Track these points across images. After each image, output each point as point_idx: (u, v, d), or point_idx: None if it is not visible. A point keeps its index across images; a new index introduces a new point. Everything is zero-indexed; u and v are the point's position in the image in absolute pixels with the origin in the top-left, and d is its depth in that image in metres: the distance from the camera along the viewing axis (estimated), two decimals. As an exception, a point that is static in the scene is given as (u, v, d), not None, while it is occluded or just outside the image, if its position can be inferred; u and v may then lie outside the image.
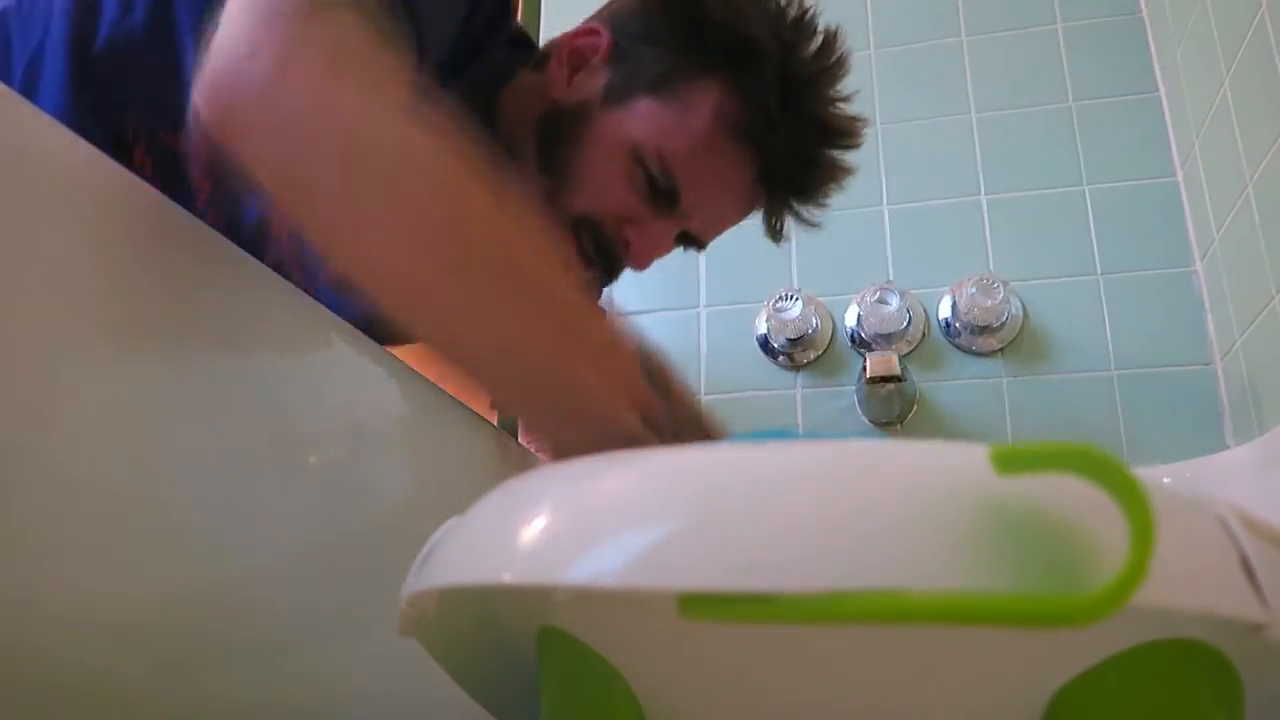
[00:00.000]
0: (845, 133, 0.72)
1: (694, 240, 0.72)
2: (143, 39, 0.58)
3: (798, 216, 0.74)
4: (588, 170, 0.65)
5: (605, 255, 0.68)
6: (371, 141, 0.44)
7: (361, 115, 0.44)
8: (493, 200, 0.46)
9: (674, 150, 0.65)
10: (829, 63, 0.69)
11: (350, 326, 0.52)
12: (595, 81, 0.66)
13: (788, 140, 0.68)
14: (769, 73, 0.66)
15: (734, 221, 0.74)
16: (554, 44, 0.71)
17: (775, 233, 0.75)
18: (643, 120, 0.65)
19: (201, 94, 0.44)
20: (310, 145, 0.43)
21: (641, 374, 0.51)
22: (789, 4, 0.68)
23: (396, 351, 0.57)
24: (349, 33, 0.46)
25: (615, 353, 0.51)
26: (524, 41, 0.71)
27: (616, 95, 0.66)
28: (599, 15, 0.71)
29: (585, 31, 0.69)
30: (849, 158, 0.73)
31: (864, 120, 0.72)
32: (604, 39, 0.68)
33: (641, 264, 0.70)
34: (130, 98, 0.58)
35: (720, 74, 0.66)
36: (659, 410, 0.51)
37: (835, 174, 0.73)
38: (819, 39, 0.68)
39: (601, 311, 0.52)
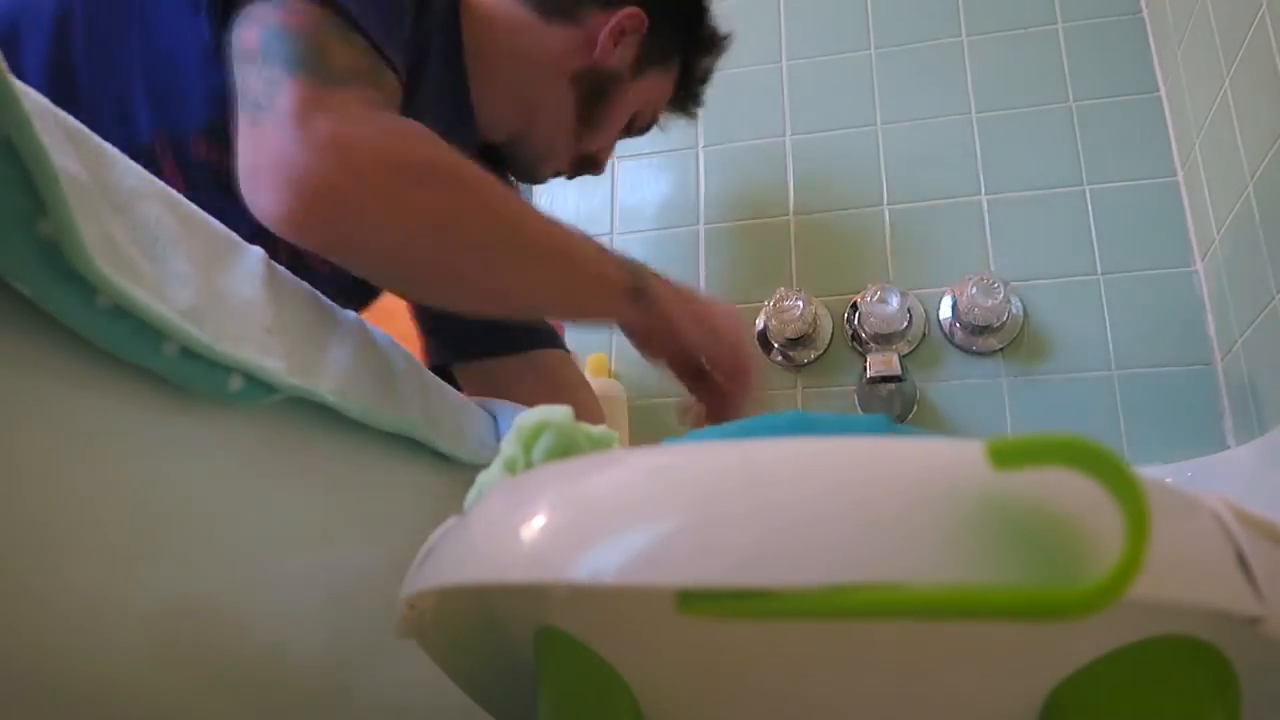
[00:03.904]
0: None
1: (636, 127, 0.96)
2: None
3: (685, 111, 1.00)
4: (610, 123, 0.87)
5: (577, 172, 0.93)
6: (453, 214, 0.56)
7: (442, 200, 0.55)
8: (526, 208, 0.62)
9: (659, 107, 0.92)
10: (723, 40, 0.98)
11: None
12: (628, 54, 0.85)
13: (692, 84, 0.96)
14: (710, 56, 0.96)
15: None
16: (588, 7, 0.86)
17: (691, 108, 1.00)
18: (651, 88, 0.89)
19: (273, 207, 0.51)
20: (405, 237, 0.54)
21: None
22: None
23: (367, 315, 0.61)
24: (375, 115, 0.55)
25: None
26: None
27: (639, 68, 0.86)
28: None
29: (631, 15, 0.85)
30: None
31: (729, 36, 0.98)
32: (644, 23, 0.85)
33: (601, 170, 0.94)
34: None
35: (686, 49, 0.92)
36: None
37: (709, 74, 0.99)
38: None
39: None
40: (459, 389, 0.78)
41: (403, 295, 0.73)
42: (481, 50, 0.81)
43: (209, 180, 0.64)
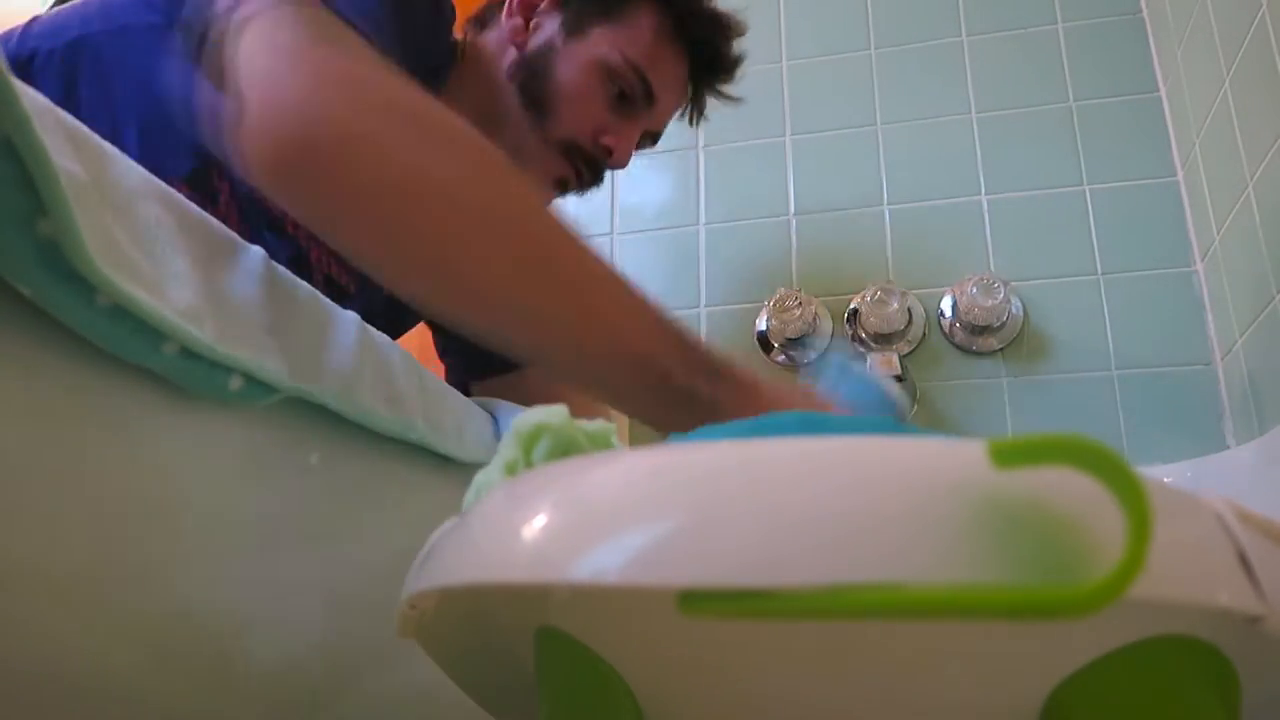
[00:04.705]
0: (739, 26, 0.90)
1: (652, 136, 0.88)
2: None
3: (722, 95, 0.93)
4: (566, 96, 0.79)
5: (591, 167, 0.83)
6: (464, 192, 0.48)
7: (453, 173, 0.48)
8: (549, 214, 0.52)
9: (637, 58, 0.80)
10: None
11: None
12: (551, 23, 0.80)
13: (704, 36, 0.86)
14: None
15: (675, 113, 0.91)
16: (491, 3, 0.85)
17: (697, 115, 0.95)
18: (605, 42, 0.80)
19: (255, 152, 0.45)
20: (402, 203, 0.47)
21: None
22: None
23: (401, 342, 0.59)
24: (376, 67, 0.49)
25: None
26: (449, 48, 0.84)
27: (574, 29, 0.80)
28: None
29: None
30: (742, 44, 0.92)
31: (743, 18, 0.91)
32: None
33: (623, 163, 0.85)
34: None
35: None
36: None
37: (739, 60, 0.92)
38: None
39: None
40: None
41: (383, 274, 0.54)
42: (457, 84, 0.82)
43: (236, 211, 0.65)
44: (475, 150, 0.50)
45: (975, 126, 1.16)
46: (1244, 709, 0.26)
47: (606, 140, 0.82)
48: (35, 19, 0.70)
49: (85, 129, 0.34)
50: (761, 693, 0.27)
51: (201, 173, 0.64)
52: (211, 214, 0.64)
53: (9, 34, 0.69)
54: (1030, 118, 1.15)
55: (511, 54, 0.81)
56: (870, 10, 1.25)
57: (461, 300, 0.51)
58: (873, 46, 1.23)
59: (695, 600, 0.21)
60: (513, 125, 0.80)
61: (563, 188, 0.86)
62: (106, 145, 0.35)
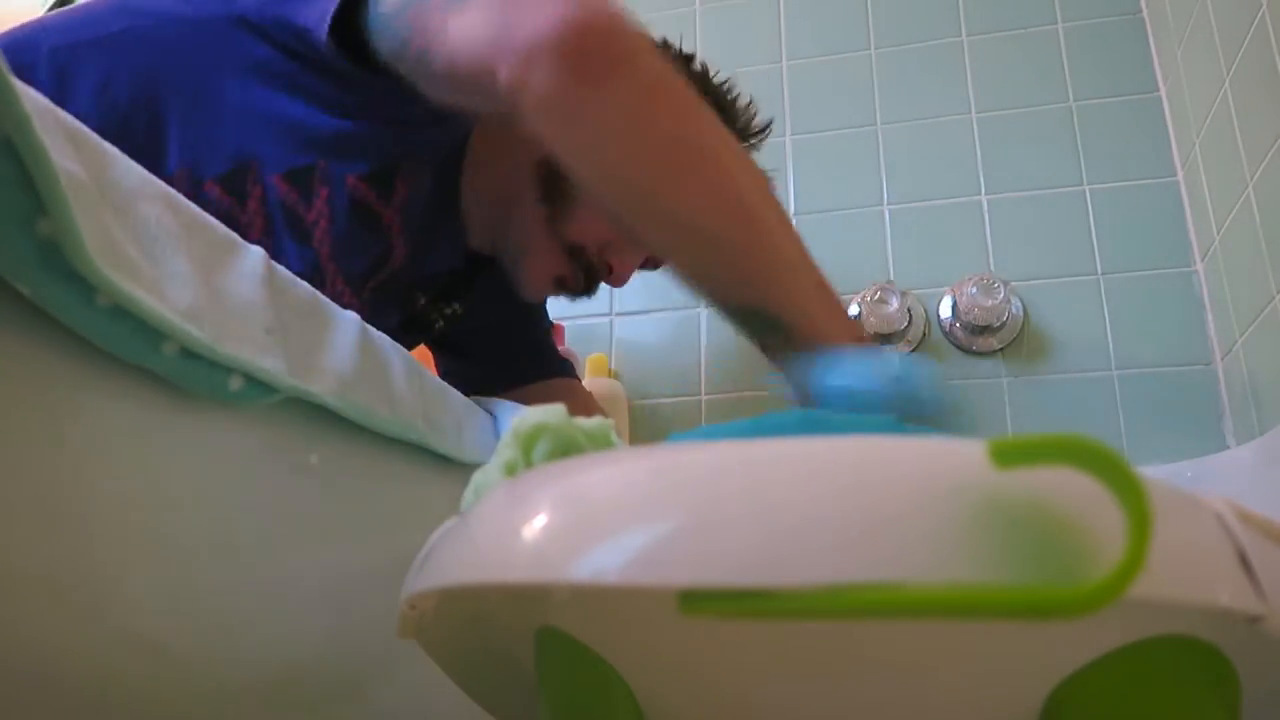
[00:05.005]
0: (763, 135, 0.92)
1: (654, 262, 0.89)
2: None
3: None
4: (585, 203, 0.79)
5: (589, 277, 0.84)
6: (694, 140, 0.56)
7: (685, 118, 0.56)
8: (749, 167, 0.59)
9: None
10: (761, 131, 0.92)
11: None
12: None
13: None
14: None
15: None
16: None
17: None
18: None
19: (551, 52, 0.52)
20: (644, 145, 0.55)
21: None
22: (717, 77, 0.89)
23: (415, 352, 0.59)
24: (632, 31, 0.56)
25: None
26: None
27: None
28: None
29: None
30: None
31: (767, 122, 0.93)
32: None
33: (621, 283, 0.87)
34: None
35: None
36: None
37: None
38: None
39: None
40: None
41: (610, 173, 0.61)
42: (471, 165, 0.83)
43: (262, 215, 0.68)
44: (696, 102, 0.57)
45: (975, 126, 1.16)
46: (1244, 709, 0.26)
47: (611, 259, 0.84)
48: (77, 6, 0.71)
49: (85, 129, 0.34)
50: (761, 693, 0.27)
51: (237, 175, 0.65)
52: (238, 217, 0.66)
53: (43, 23, 0.70)
54: (1030, 118, 1.15)
55: (538, 149, 0.81)
56: (870, 10, 1.25)
57: (656, 204, 0.57)
58: (873, 46, 1.23)
59: (695, 600, 0.21)
60: (525, 214, 0.82)
61: (560, 286, 0.87)
62: (106, 145, 0.35)
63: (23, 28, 0.70)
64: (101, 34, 0.68)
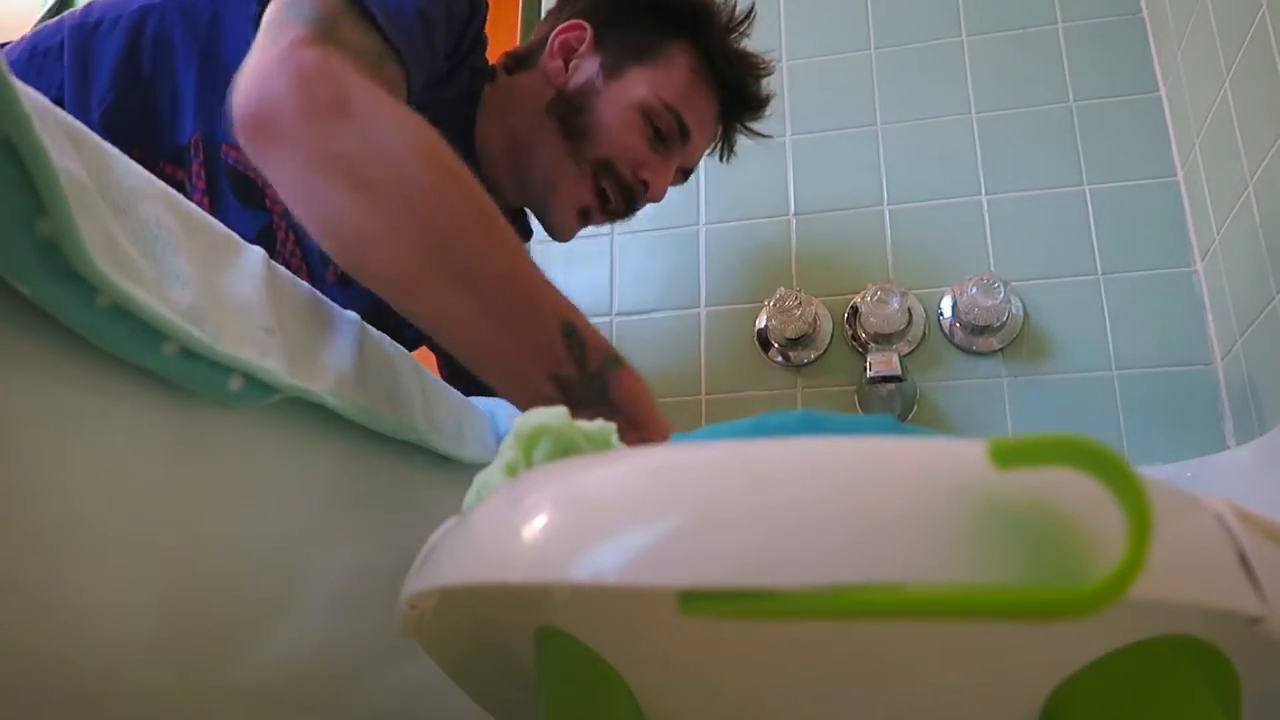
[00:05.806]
0: (768, 66, 0.96)
1: (684, 172, 0.93)
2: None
3: (751, 133, 0.99)
4: (607, 131, 0.83)
5: (626, 195, 0.87)
6: (384, 171, 0.53)
7: (373, 148, 0.53)
8: (470, 204, 0.55)
9: (673, 99, 0.85)
10: (745, 16, 0.94)
11: None
12: (590, 65, 0.85)
13: (734, 76, 0.92)
14: (717, 29, 0.89)
15: (707, 149, 0.97)
16: (534, 44, 0.90)
17: (728, 151, 1.01)
18: (642, 84, 0.85)
19: (237, 122, 0.53)
20: (329, 176, 0.52)
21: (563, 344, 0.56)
22: None
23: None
24: (357, 64, 0.56)
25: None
26: (485, 66, 0.90)
27: (612, 71, 0.85)
28: (571, 12, 0.89)
29: (569, 28, 0.87)
30: (768, 84, 0.98)
31: (771, 56, 0.96)
32: (586, 30, 0.86)
33: (659, 198, 0.90)
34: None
35: (683, 37, 0.88)
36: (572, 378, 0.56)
37: (768, 99, 0.98)
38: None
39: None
40: None
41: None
42: (484, 121, 0.86)
43: (227, 182, 0.70)
44: (441, 171, 0.54)
45: (975, 126, 1.16)
46: (1244, 709, 0.26)
47: (645, 175, 0.86)
48: None
49: (85, 129, 0.34)
50: (761, 693, 0.27)
51: None
52: (258, 181, 0.70)
53: (70, 12, 0.73)
54: (1030, 118, 1.15)
55: (551, 93, 0.85)
56: (870, 10, 1.25)
57: (372, 284, 0.54)
58: (873, 46, 1.23)
59: (695, 600, 0.21)
60: (547, 152, 0.84)
61: (584, 218, 0.89)
62: (106, 145, 0.35)
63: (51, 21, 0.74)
64: (122, 10, 0.71)
